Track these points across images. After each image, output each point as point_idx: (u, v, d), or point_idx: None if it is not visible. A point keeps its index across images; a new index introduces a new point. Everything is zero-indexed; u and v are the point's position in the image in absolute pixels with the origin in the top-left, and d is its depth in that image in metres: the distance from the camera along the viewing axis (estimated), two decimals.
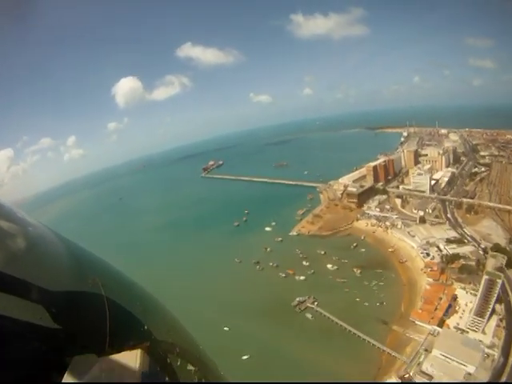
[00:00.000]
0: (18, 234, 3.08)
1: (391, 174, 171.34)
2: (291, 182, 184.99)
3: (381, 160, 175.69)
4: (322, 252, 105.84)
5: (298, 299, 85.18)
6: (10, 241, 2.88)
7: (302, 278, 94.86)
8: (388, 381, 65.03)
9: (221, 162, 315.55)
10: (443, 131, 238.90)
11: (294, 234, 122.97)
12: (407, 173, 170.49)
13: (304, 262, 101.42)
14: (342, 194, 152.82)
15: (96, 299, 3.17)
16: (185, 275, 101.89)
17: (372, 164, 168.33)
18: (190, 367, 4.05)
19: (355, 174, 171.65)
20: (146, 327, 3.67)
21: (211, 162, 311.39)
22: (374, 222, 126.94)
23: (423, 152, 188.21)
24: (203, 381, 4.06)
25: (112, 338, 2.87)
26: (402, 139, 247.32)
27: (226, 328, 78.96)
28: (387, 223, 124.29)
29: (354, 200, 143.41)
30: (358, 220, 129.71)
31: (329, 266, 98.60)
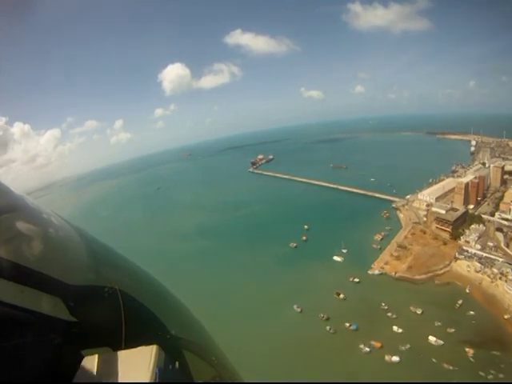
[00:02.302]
0: (41, 229, 3.24)
1: (480, 194, 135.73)
2: (358, 191, 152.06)
3: (471, 176, 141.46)
4: (418, 311, 72.97)
5: None
6: (32, 236, 3.01)
7: (394, 358, 62.39)
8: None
9: (271, 157, 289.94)
10: None
11: (376, 272, 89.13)
12: (502, 195, 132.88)
13: (394, 328, 68.92)
14: (426, 216, 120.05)
15: (113, 295, 3.31)
16: (215, 319, 60.52)
17: (463, 180, 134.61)
18: (206, 365, 4.04)
19: (437, 190, 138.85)
20: (162, 323, 3.71)
21: (260, 156, 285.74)
22: (478, 265, 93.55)
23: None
24: (218, 380, 4.04)
25: (128, 332, 3.02)
26: (472, 149, 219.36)
27: None
28: (494, 270, 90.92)
29: (447, 229, 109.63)
30: (456, 260, 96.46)
31: (431, 338, 65.45)
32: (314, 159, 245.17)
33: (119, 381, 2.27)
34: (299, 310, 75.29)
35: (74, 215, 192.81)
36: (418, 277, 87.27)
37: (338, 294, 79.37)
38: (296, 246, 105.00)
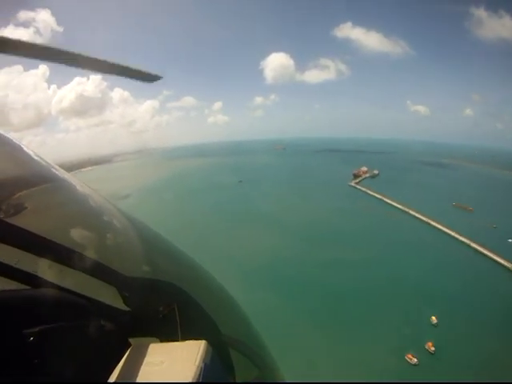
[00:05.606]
0: (100, 219, 3.40)
1: None
2: (497, 259, 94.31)
3: None
4: None
5: None
6: (92, 225, 3.15)
7: None
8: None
9: (376, 172, 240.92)
10: None
11: None
12: None
13: None
14: None
15: (167, 287, 3.38)
16: None
17: None
18: (253, 367, 3.98)
19: None
20: (214, 320, 3.68)
21: (364, 169, 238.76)
22: None
23: None
24: (262, 380, 3.97)
25: (178, 326, 3.08)
26: None
27: None
28: None
29: None
30: None
31: None
32: (428, 187, 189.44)
33: (164, 372, 2.28)
34: None
35: (140, 187, 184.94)
36: None
37: None
38: (416, 364, 56.42)
